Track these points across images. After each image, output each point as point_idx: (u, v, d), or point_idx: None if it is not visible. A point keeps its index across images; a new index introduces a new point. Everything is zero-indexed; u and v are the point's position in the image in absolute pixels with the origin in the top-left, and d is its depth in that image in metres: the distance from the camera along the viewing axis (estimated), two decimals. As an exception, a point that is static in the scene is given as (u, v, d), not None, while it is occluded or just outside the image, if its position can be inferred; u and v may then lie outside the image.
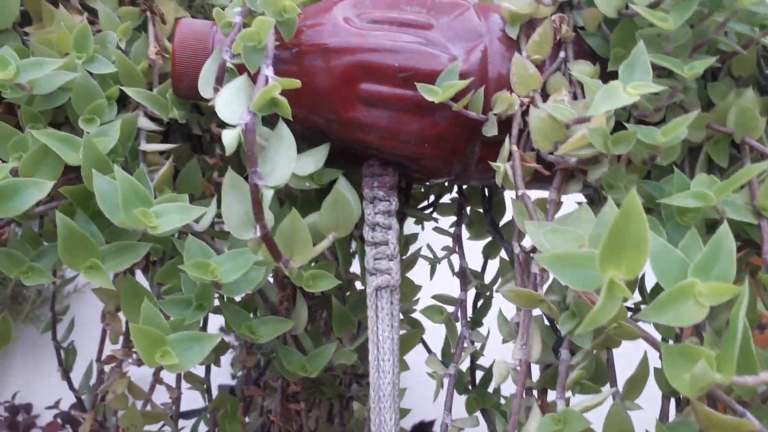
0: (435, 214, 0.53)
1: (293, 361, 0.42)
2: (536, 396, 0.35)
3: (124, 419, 0.44)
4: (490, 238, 0.52)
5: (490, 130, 0.38)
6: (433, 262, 0.53)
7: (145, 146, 0.39)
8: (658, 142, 0.32)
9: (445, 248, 0.50)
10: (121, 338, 0.44)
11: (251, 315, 0.40)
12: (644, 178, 0.37)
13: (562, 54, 0.40)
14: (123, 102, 0.41)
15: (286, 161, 0.32)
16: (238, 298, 0.41)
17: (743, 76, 0.40)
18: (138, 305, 0.32)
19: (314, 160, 0.38)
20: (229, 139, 0.30)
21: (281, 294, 0.43)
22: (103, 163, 0.34)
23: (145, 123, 0.40)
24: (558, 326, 0.32)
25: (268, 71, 0.34)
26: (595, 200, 0.38)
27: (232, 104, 0.32)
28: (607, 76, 0.38)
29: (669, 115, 0.37)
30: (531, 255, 0.34)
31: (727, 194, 0.31)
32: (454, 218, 0.51)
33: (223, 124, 0.31)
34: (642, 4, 0.35)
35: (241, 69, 0.36)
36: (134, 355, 0.42)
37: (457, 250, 0.50)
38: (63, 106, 0.38)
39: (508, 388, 0.36)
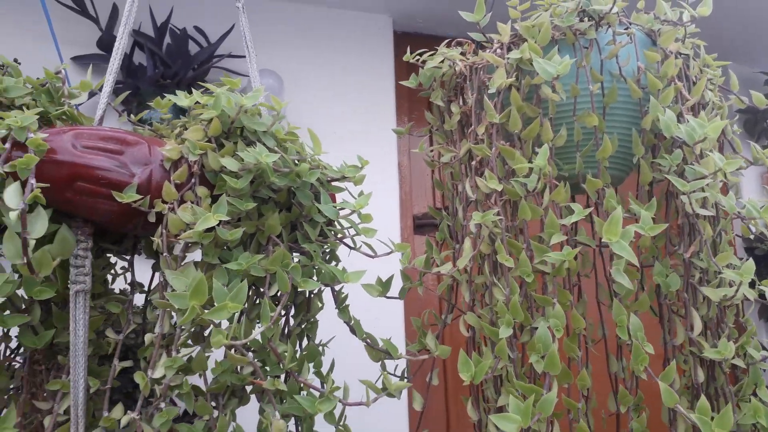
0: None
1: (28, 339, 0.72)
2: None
3: None
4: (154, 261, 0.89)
5: (152, 217, 0.75)
6: (114, 276, 0.87)
7: None
8: (230, 238, 0.73)
9: (122, 268, 0.85)
10: None
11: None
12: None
13: (193, 180, 0.78)
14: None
15: (41, 225, 0.64)
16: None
17: (281, 201, 0.84)
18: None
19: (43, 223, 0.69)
20: (13, 215, 0.61)
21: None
22: None
23: None
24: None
25: (32, 180, 0.64)
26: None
27: (10, 197, 0.62)
28: (215, 196, 0.78)
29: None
30: (167, 283, 0.72)
31: (251, 263, 0.74)
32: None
33: None
34: (227, 173, 0.76)
35: (13, 175, 0.65)
36: None
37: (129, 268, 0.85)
38: None
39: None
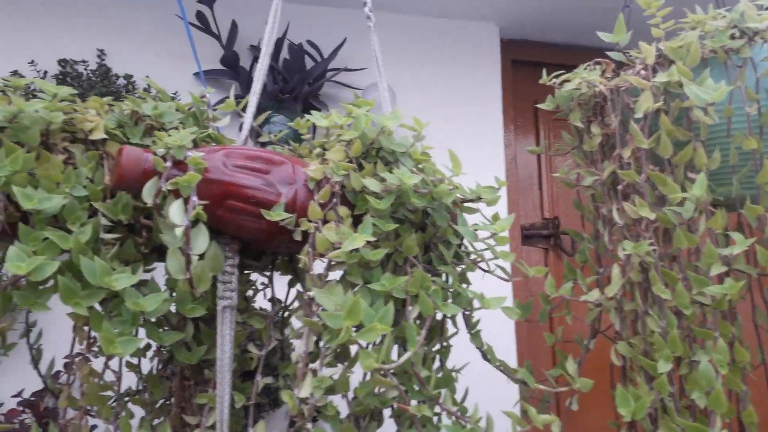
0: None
1: (183, 355, 0.75)
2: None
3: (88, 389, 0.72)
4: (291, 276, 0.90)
5: (297, 236, 0.75)
6: (255, 292, 0.89)
7: (103, 235, 0.69)
8: (374, 258, 0.73)
9: (262, 283, 0.86)
10: (85, 342, 0.71)
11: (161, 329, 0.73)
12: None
13: (335, 200, 0.78)
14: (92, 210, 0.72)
15: (202, 242, 0.66)
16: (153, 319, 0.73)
17: (416, 221, 0.83)
18: (100, 323, 0.64)
19: (204, 239, 0.71)
20: (178, 231, 0.63)
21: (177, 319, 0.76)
22: (83, 249, 0.64)
23: (104, 221, 0.70)
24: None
25: (194, 198, 0.66)
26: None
27: (175, 214, 0.65)
28: (355, 215, 0.78)
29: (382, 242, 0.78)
30: (312, 301, 0.72)
31: (394, 285, 0.73)
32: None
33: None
34: (369, 194, 0.76)
35: (174, 193, 0.68)
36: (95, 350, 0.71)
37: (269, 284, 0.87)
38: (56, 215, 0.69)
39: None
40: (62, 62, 1.81)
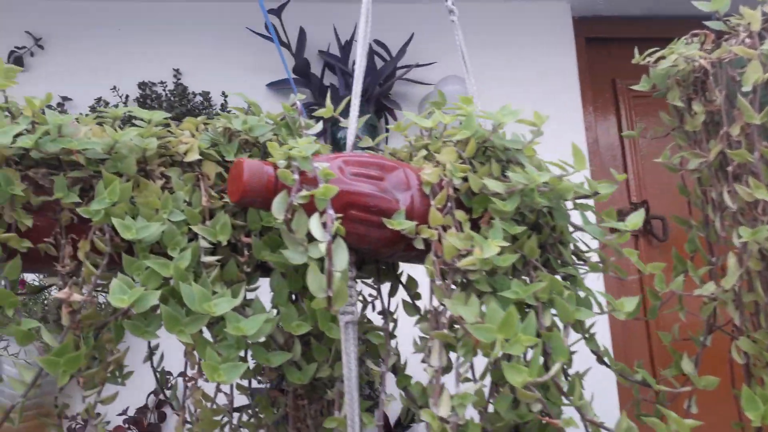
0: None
1: (293, 375, 0.71)
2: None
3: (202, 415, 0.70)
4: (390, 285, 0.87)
5: (419, 244, 0.72)
6: (366, 303, 0.86)
7: (204, 259, 0.68)
8: (504, 264, 0.69)
9: (370, 295, 0.83)
10: (196, 366, 0.69)
11: (267, 350, 0.70)
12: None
13: (450, 204, 0.75)
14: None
15: (343, 257, 0.62)
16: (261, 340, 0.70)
17: (531, 221, 0.80)
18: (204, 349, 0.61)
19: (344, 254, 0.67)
20: (322, 247, 0.59)
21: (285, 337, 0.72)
22: (183, 275, 0.62)
23: (204, 244, 0.68)
24: (456, 350, 0.67)
25: (330, 211, 0.63)
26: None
27: (317, 229, 0.61)
28: (472, 219, 0.74)
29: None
30: (439, 313, 0.69)
31: (528, 292, 0.69)
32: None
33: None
34: (491, 192, 0.72)
35: (306, 207, 0.64)
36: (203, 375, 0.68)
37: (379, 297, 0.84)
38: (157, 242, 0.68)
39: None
40: (142, 85, 1.83)
